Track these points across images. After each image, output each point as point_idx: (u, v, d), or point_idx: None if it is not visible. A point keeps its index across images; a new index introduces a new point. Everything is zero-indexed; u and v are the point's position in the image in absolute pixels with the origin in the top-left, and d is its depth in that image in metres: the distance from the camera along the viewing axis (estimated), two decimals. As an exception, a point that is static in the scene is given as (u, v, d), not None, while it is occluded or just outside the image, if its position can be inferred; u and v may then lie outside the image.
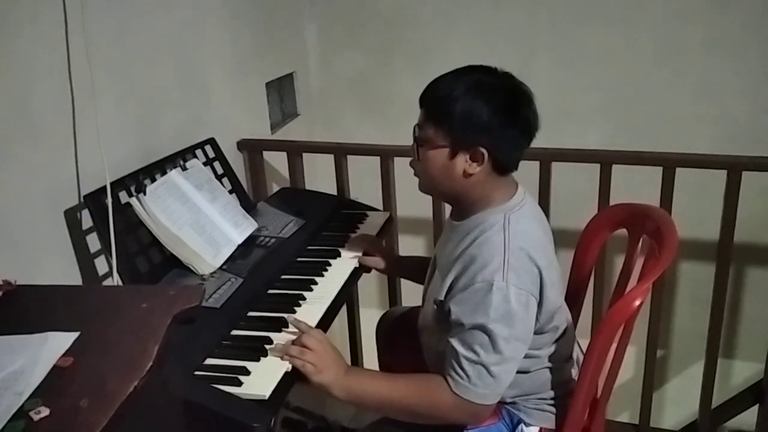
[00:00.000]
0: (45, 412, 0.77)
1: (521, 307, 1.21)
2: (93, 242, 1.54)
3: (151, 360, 0.85)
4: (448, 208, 2.01)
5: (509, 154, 1.27)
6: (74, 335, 0.91)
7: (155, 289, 1.25)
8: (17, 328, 0.94)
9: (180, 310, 0.97)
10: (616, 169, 1.93)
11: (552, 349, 1.35)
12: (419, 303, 1.61)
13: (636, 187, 1.78)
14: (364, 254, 1.71)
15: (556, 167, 1.98)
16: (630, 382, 2.25)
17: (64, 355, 0.87)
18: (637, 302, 1.21)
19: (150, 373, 0.83)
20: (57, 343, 0.90)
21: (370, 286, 2.50)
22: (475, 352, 1.20)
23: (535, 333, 1.27)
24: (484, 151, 1.23)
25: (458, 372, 1.22)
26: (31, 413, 0.77)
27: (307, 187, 2.26)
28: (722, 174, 1.85)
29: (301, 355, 1.24)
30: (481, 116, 1.22)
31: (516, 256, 1.21)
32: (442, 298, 1.28)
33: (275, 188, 2.35)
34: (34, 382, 0.83)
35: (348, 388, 1.27)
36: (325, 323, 1.43)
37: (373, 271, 1.75)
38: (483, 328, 1.19)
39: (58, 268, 1.46)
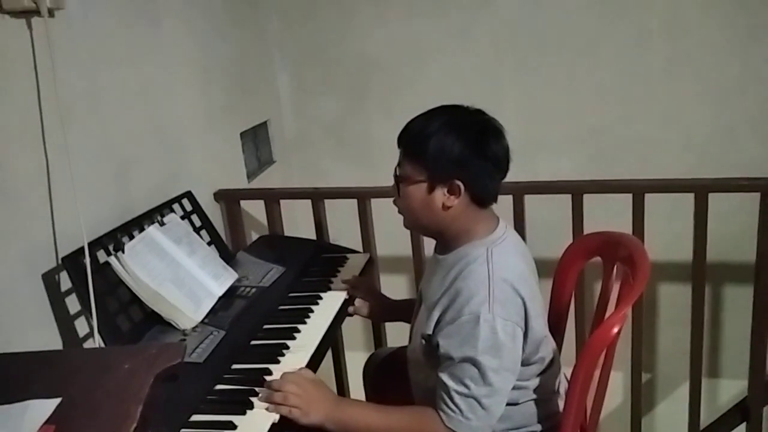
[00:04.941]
0: (29, 484, 0.76)
1: (508, 337, 1.23)
2: (72, 303, 1.52)
3: (134, 422, 0.85)
4: (428, 246, 2.04)
5: (484, 186, 1.31)
6: (56, 401, 0.91)
7: (136, 349, 1.24)
8: (-4, 399, 0.93)
9: (162, 368, 0.96)
10: (592, 197, 1.97)
11: (540, 380, 1.37)
12: (405, 343, 1.61)
13: (613, 212, 1.82)
14: (352, 298, 1.72)
15: (529, 199, 2.01)
16: (619, 409, 2.25)
17: (46, 422, 0.87)
18: (615, 329, 1.23)
19: (134, 436, 0.83)
20: (38, 412, 0.89)
21: (355, 329, 2.49)
22: (465, 385, 1.22)
23: (523, 364, 1.29)
24: (459, 183, 1.27)
25: (450, 406, 1.24)
26: (15, 486, 0.76)
27: (287, 233, 2.26)
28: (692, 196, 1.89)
29: (285, 401, 1.24)
30: (454, 151, 1.26)
31: (500, 287, 1.24)
32: (430, 332, 1.30)
33: (254, 237, 2.35)
34: (16, 454, 0.82)
35: (339, 421, 1.28)
36: (311, 370, 1.42)
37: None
38: (472, 361, 1.21)
39: (38, 333, 1.44)
